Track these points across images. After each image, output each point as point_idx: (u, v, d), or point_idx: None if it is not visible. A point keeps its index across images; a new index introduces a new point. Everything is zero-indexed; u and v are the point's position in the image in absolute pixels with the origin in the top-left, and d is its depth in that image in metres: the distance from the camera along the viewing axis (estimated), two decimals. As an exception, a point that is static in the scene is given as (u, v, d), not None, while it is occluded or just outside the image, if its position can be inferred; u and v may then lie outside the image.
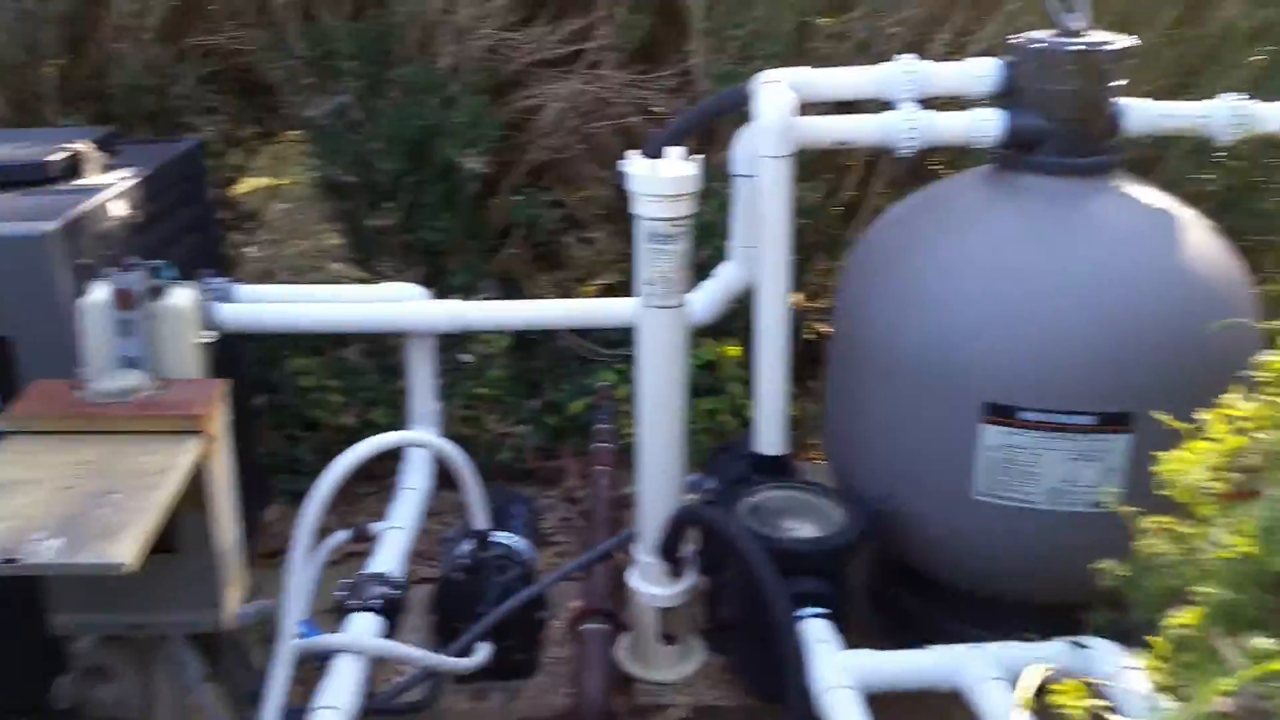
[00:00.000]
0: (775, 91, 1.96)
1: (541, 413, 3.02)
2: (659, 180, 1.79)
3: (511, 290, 3.16)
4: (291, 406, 3.00)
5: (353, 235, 3.11)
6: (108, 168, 2.14)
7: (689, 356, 1.96)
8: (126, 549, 1.20)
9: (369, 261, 3.07)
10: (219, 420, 1.47)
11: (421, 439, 1.96)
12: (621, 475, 2.64)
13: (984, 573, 2.03)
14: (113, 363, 1.50)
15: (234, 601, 1.54)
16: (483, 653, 2.00)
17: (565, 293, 3.51)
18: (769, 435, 2.13)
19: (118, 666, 1.52)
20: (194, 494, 1.40)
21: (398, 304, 2.29)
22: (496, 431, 2.94)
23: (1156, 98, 2.12)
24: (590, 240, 3.59)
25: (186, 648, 1.61)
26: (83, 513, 1.26)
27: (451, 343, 2.96)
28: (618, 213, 3.24)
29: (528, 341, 3.17)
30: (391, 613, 1.98)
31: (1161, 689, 1.08)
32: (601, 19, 2.85)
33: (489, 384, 2.92)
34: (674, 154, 1.84)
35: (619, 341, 3.11)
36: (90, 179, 2.07)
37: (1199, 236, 1.99)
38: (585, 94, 2.84)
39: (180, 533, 1.44)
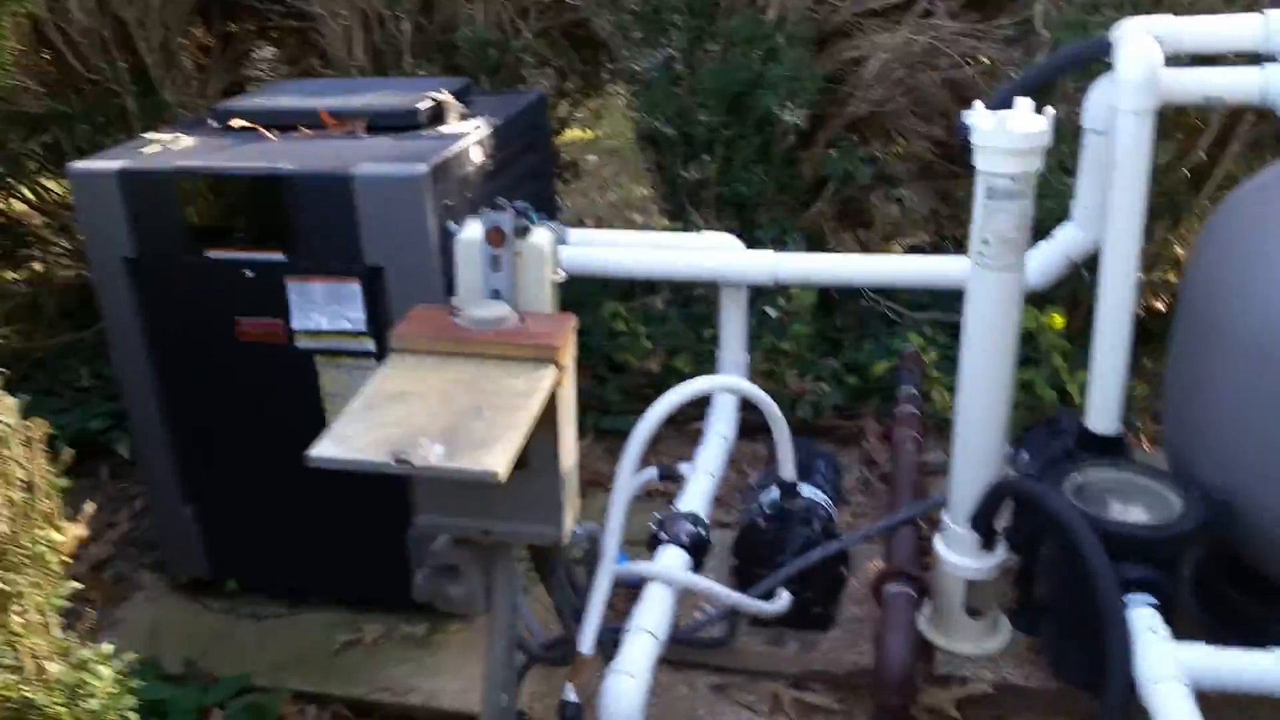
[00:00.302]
0: (1140, 41, 1.83)
1: (842, 372, 3.01)
2: (1007, 133, 1.72)
3: (815, 246, 3.15)
4: (601, 348, 3.15)
5: (665, 186, 3.20)
6: (465, 116, 2.32)
7: (1020, 322, 1.89)
8: (498, 460, 1.31)
9: (680, 213, 3.16)
10: (570, 352, 1.57)
11: (739, 385, 2.00)
12: (925, 441, 2.60)
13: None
14: (480, 294, 1.63)
15: (569, 521, 1.64)
16: (784, 599, 2.04)
17: (867, 251, 3.46)
18: (1102, 412, 2.02)
19: (465, 566, 1.66)
20: (545, 417, 1.51)
21: (717, 253, 2.34)
22: (796, 387, 2.96)
23: None
24: (899, 198, 3.52)
25: (517, 558, 1.74)
26: (460, 425, 1.38)
27: (756, 294, 3.01)
28: (933, 169, 3.16)
29: (830, 300, 3.17)
30: (698, 550, 2.05)
31: None
32: (936, -33, 2.77)
33: (792, 339, 2.95)
34: (1023, 106, 1.76)
35: (926, 304, 3.05)
36: (451, 126, 2.25)
37: None
38: (914, 44, 2.77)
39: (530, 452, 1.55)
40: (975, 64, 2.79)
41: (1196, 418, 1.99)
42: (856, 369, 3.01)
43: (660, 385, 3.07)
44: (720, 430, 2.40)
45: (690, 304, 3.22)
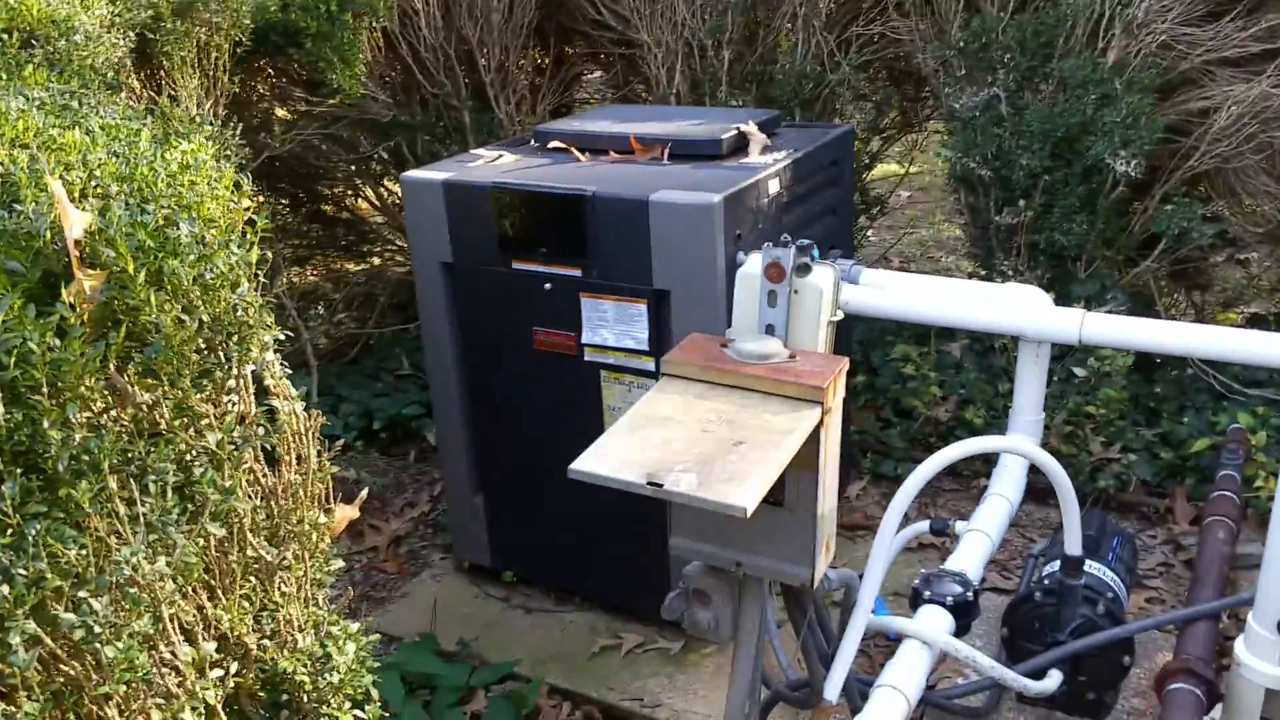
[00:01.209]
0: None
1: (1155, 444, 2.75)
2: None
3: (1140, 306, 2.91)
4: (889, 391, 3.07)
5: (976, 230, 3.06)
6: (767, 148, 2.34)
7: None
8: (747, 495, 1.30)
9: (989, 258, 3.01)
10: (837, 394, 1.54)
11: (1026, 449, 1.87)
12: (1240, 530, 2.33)
13: None
14: (754, 327, 1.64)
15: (823, 564, 1.61)
16: (1054, 679, 1.89)
17: (1202, 316, 3.16)
18: None
19: (715, 594, 1.67)
20: (805, 457, 1.48)
21: (1018, 306, 2.20)
22: (1099, 455, 2.74)
23: None
24: (1245, 262, 3.18)
25: (770, 594, 1.73)
26: (715, 455, 1.39)
27: (1065, 351, 2.81)
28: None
29: (1151, 363, 2.91)
30: (962, 613, 1.94)
31: None
32: (1311, 12, 2.48)
33: (1100, 403, 2.73)
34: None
35: (1261, 380, 2.73)
36: (752, 158, 2.28)
37: None
38: (1273, 98, 2.49)
39: (787, 490, 1.53)
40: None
41: None
42: (1173, 443, 2.74)
43: (947, 436, 2.96)
44: (1003, 491, 2.25)
45: (989, 354, 3.07)
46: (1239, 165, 2.66)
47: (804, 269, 1.61)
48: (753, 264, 1.63)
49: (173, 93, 2.06)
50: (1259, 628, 1.80)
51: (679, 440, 1.44)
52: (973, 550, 2.10)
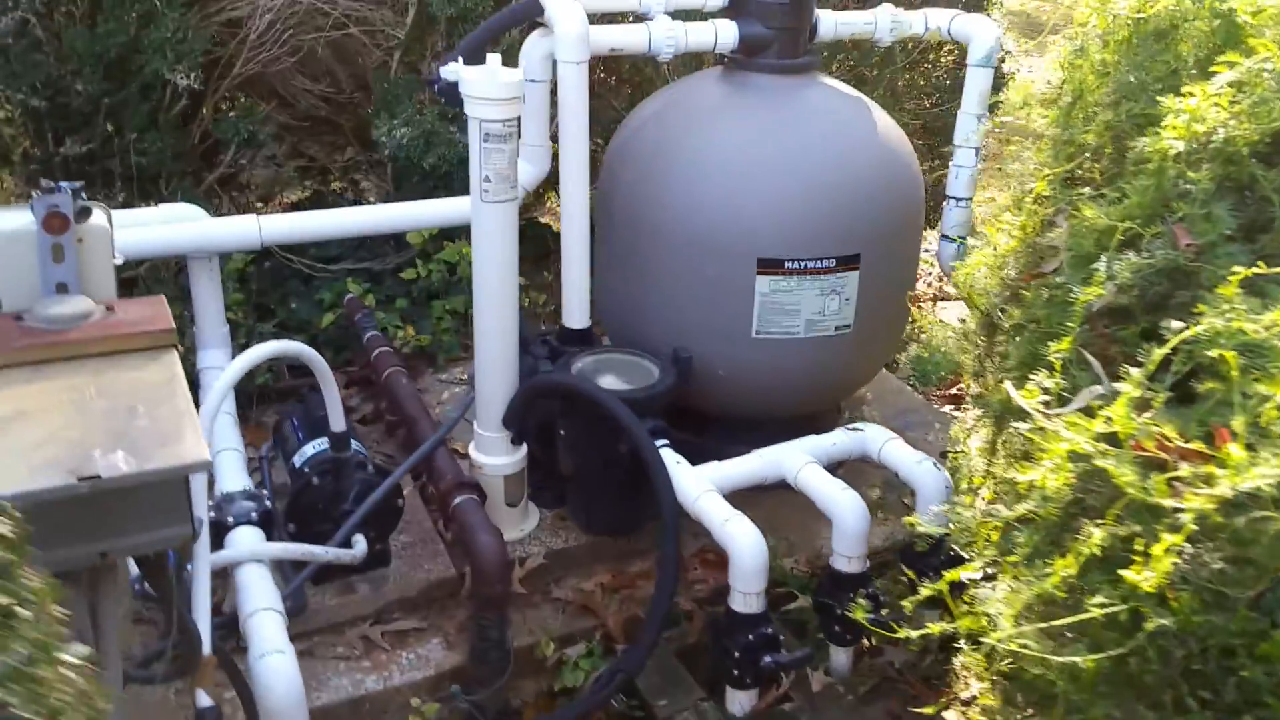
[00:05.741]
0: (571, 4, 2.19)
1: (283, 332, 3.00)
2: (498, 84, 1.97)
3: (216, 212, 3.06)
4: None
5: (46, 166, 2.83)
6: None
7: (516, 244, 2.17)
8: (199, 448, 1.24)
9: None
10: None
11: (296, 348, 1.94)
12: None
13: (756, 398, 2.47)
14: (37, 291, 1.43)
15: (201, 513, 1.55)
16: (361, 544, 2.12)
17: (251, 212, 3.42)
18: (577, 311, 2.41)
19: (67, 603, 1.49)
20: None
21: (189, 224, 2.23)
22: (247, 354, 2.90)
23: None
24: (274, 158, 3.52)
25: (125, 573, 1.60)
26: (120, 429, 1.25)
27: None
28: (320, 126, 3.26)
29: (258, 268, 3.10)
30: (267, 522, 2.03)
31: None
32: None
33: (229, 308, 2.86)
34: (493, 60, 2.02)
35: (337, 257, 3.15)
36: None
37: (883, 119, 2.54)
38: (297, 5, 2.82)
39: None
40: (357, 24, 2.94)
41: (637, 299, 2.46)
42: (301, 327, 3.02)
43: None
44: (226, 407, 2.32)
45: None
46: (279, 69, 2.95)
47: (85, 213, 1.46)
48: (14, 220, 1.41)
49: None
50: (485, 432, 2.28)
51: (65, 429, 1.26)
52: (232, 466, 2.16)
